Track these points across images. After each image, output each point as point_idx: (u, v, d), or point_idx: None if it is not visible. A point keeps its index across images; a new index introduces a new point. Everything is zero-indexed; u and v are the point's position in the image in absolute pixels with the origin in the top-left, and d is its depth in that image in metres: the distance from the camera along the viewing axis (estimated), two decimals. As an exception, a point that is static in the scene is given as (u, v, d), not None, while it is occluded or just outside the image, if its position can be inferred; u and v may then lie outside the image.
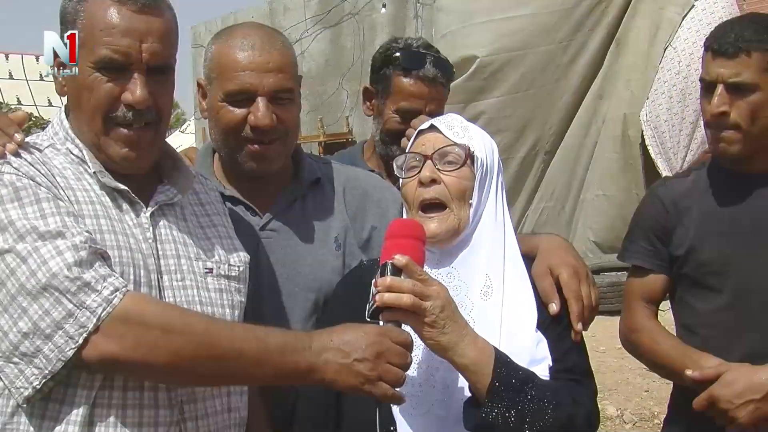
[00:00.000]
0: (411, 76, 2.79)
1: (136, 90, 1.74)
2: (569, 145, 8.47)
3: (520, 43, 8.08)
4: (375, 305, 1.68)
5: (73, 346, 1.58)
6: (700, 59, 2.37)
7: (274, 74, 2.08)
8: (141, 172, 1.84)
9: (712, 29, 2.34)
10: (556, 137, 8.45)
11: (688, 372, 2.21)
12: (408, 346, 1.70)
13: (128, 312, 1.60)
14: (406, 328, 1.72)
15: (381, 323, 1.70)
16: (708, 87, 2.27)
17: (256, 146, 2.12)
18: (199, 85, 2.22)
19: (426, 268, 1.80)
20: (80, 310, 1.58)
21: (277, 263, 2.18)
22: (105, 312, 1.59)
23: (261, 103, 2.08)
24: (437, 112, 2.67)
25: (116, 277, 1.63)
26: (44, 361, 1.59)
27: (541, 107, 8.27)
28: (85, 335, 1.58)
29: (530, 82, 8.17)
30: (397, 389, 1.68)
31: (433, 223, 1.85)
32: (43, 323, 1.58)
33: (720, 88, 2.23)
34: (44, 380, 1.60)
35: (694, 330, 2.37)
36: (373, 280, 1.70)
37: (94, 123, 1.77)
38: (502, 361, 1.72)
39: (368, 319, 1.70)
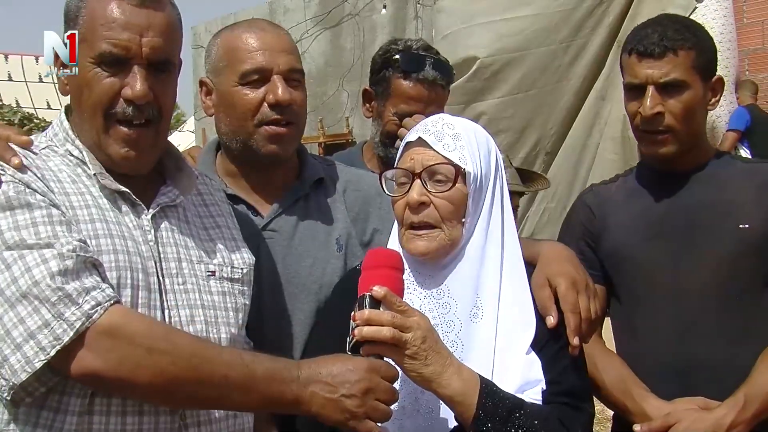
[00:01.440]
0: (410, 78, 2.78)
1: (135, 84, 1.71)
2: (570, 146, 8.43)
3: (521, 43, 8.06)
4: (355, 339, 1.63)
5: (43, 358, 1.53)
6: None
7: (286, 54, 2.12)
8: (142, 172, 1.81)
9: (630, 33, 2.30)
10: (558, 138, 8.42)
11: (636, 428, 2.13)
12: (395, 380, 1.67)
13: (114, 327, 1.56)
14: (389, 360, 1.68)
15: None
16: (636, 90, 2.23)
17: (273, 127, 2.11)
18: (202, 83, 2.21)
19: (416, 286, 1.77)
20: (57, 321, 1.53)
21: (277, 264, 2.16)
22: (84, 326, 1.54)
23: (278, 80, 2.09)
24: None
25: (101, 291, 1.58)
26: (9, 371, 1.54)
27: (542, 108, 8.24)
28: (58, 348, 1.53)
29: (531, 82, 8.14)
30: (381, 425, 1.65)
31: (421, 242, 1.79)
32: (16, 331, 1.53)
33: (651, 90, 2.19)
34: (12, 391, 1.55)
35: (632, 338, 2.28)
36: (352, 314, 1.65)
37: (94, 120, 1.74)
38: (488, 391, 1.68)
39: (349, 353, 1.66)
